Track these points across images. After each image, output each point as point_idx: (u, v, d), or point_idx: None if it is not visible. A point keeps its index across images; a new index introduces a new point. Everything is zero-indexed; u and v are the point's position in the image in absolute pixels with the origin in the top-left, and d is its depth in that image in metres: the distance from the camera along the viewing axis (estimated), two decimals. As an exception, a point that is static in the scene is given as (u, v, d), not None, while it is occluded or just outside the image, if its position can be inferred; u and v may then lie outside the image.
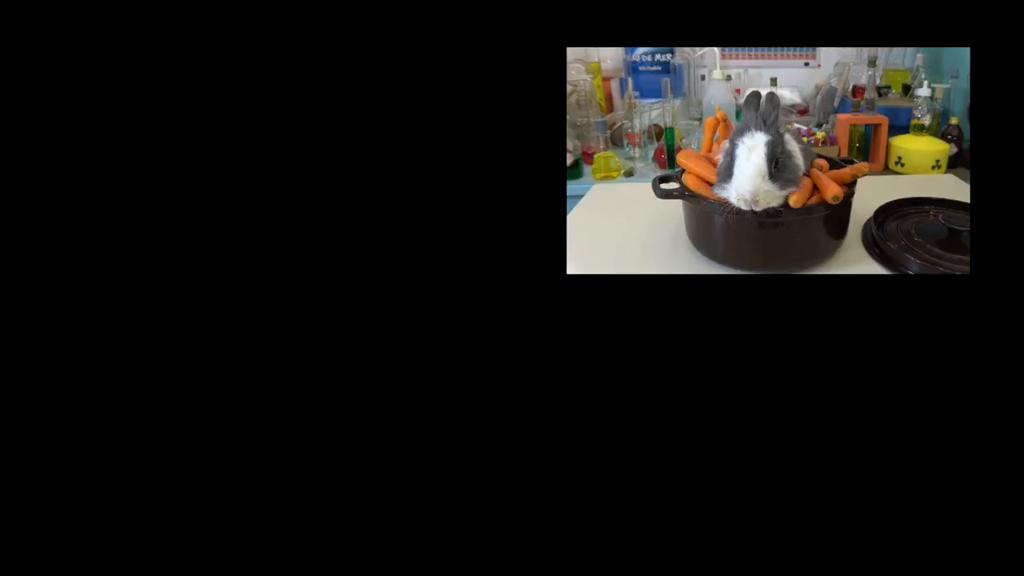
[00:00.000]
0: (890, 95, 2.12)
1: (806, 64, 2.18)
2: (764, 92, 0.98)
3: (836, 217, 1.04)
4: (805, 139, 1.74)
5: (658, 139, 2.02)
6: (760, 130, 0.93)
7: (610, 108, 2.24)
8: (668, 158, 1.93)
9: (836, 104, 2.04)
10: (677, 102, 2.06)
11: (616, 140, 2.12)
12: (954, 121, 1.91)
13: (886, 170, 1.89)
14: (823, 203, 0.97)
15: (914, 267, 0.96)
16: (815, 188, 1.00)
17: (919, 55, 2.03)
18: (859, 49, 2.03)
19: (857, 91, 2.09)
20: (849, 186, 1.03)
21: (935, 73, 2.06)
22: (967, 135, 1.90)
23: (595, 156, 1.97)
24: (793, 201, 0.94)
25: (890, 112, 1.93)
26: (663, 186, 1.08)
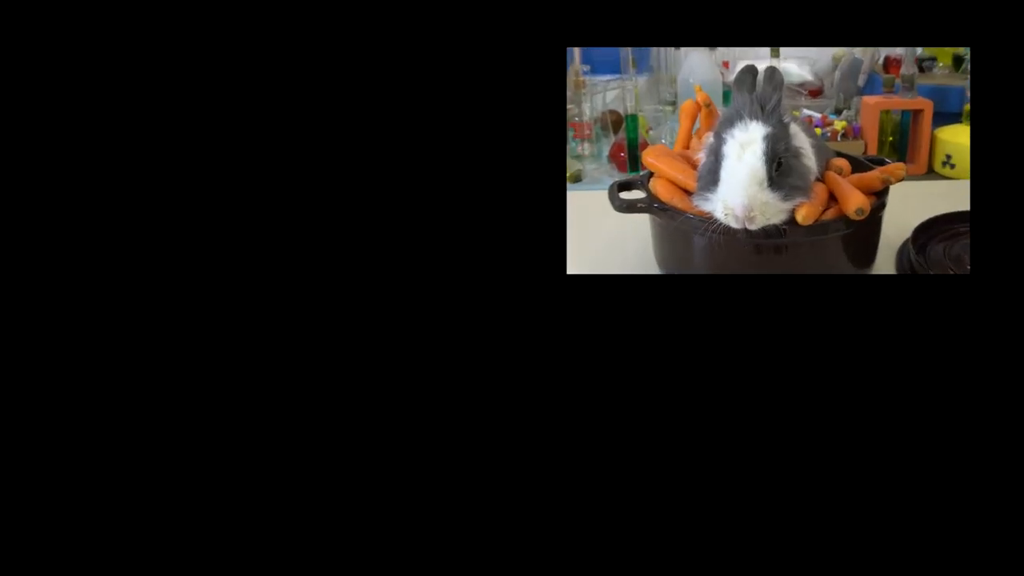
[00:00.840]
0: (936, 70, 2.12)
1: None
2: (763, 67, 0.99)
3: (860, 238, 1.04)
4: (819, 131, 1.80)
5: (616, 131, 2.03)
6: (757, 119, 0.94)
7: (550, 88, 2.21)
8: (630, 157, 1.94)
9: (861, 83, 2.04)
10: (642, 79, 2.07)
11: (559, 132, 2.11)
12: None
13: (930, 173, 1.89)
14: (843, 219, 0.98)
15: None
16: (832, 198, 1.01)
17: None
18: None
19: (890, 65, 2.09)
20: (879, 196, 1.04)
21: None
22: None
23: (530, 155, 1.95)
24: (802, 216, 0.94)
25: (936, 94, 1.92)
26: (624, 195, 1.08)
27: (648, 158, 1.11)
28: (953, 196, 1.31)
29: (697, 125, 1.24)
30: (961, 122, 1.87)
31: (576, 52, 2.02)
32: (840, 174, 1.06)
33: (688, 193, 1.04)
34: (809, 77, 2.14)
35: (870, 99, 1.89)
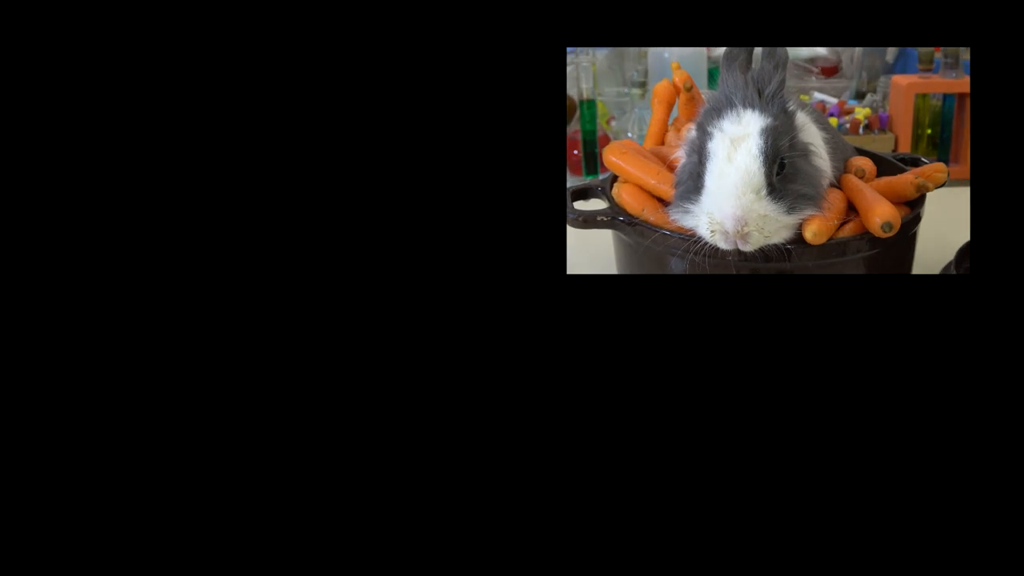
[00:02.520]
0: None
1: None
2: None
3: (889, 261, 0.99)
4: (834, 121, 1.72)
5: (567, 121, 1.93)
6: (753, 107, 0.89)
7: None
8: (586, 156, 1.86)
9: (891, 58, 1.98)
10: (601, 54, 2.00)
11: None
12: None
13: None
14: (865, 236, 0.93)
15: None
16: (851, 210, 0.96)
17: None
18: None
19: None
20: (913, 206, 1.00)
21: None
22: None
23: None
24: (812, 233, 0.89)
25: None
26: (580, 206, 1.05)
27: (611, 157, 1.06)
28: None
29: (675, 114, 1.20)
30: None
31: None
32: (862, 178, 1.01)
33: (663, 203, 0.99)
34: (822, 51, 2.05)
35: (902, 79, 1.79)
